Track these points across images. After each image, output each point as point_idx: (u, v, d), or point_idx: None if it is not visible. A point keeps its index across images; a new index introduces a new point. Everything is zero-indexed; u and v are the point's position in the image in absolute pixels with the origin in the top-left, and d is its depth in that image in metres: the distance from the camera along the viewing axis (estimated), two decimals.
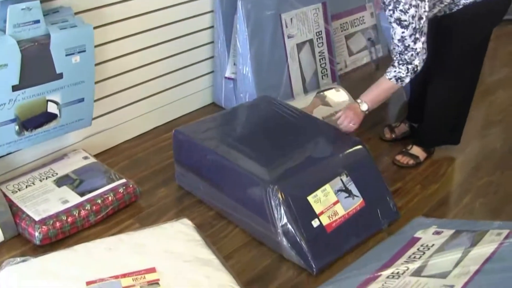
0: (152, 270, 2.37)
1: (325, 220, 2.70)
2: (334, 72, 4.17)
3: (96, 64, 3.02)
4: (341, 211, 2.76)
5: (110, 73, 3.32)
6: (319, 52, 4.06)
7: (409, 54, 2.89)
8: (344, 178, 2.84)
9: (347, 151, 2.96)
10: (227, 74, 3.82)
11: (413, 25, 2.80)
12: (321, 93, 3.79)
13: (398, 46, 2.90)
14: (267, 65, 3.75)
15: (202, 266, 2.44)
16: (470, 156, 3.55)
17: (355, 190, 2.85)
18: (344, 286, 2.39)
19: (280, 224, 2.62)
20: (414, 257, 2.41)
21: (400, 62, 2.93)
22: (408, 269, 2.32)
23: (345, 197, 2.80)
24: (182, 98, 3.76)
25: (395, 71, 2.95)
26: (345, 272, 2.54)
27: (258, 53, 3.69)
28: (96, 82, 3.06)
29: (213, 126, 3.14)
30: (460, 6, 3.01)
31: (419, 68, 2.93)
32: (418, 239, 2.60)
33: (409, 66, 2.92)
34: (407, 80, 2.97)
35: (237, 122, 3.30)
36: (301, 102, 3.68)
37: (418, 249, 2.48)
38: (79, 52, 2.76)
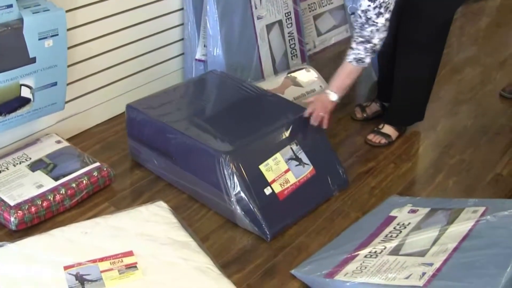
0: (129, 253, 2.39)
1: (277, 188, 2.78)
2: (303, 53, 4.19)
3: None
4: (292, 179, 2.84)
5: (80, 57, 3.29)
6: (288, 33, 4.07)
7: (369, 29, 2.85)
8: (294, 147, 2.91)
9: (297, 121, 3.01)
10: (197, 56, 3.81)
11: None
12: (292, 73, 3.80)
13: (360, 17, 2.85)
14: (237, 47, 3.75)
15: (179, 248, 2.46)
16: (441, 135, 3.60)
17: (305, 159, 2.92)
18: (322, 266, 2.42)
19: (234, 193, 2.69)
20: (391, 236, 2.45)
21: (359, 40, 2.90)
22: (385, 248, 2.35)
23: (296, 165, 2.88)
24: (153, 81, 3.75)
25: (353, 52, 2.93)
26: (322, 252, 2.57)
27: (228, 35, 3.69)
28: (67, 66, 3.04)
29: (166, 101, 3.17)
30: None
31: (377, 47, 2.91)
32: (394, 218, 2.63)
33: (367, 46, 2.90)
34: (368, 60, 2.95)
35: (189, 96, 3.34)
36: (271, 83, 3.69)
37: (394, 228, 2.52)
38: (51, 36, 2.74)
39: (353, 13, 3.89)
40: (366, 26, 2.85)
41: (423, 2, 3.12)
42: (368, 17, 2.82)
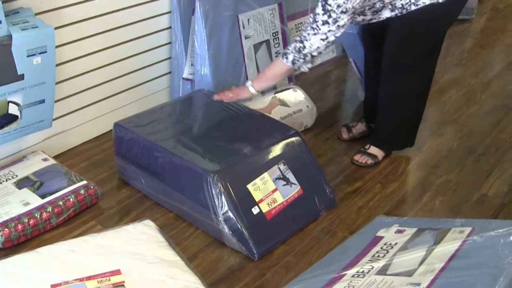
0: (117, 272, 2.38)
1: (264, 207, 2.78)
2: None
3: None
4: (279, 198, 2.85)
5: (68, 74, 3.29)
6: (275, 53, 4.08)
7: (310, 31, 2.87)
8: (282, 166, 2.92)
9: (284, 141, 3.01)
10: (185, 75, 3.82)
11: (330, 9, 2.79)
12: (279, 93, 3.81)
13: (310, 17, 2.88)
14: (225, 66, 3.76)
15: (167, 267, 2.45)
16: (427, 155, 3.60)
17: (292, 178, 2.93)
18: (310, 285, 2.42)
19: (221, 212, 2.69)
20: (378, 256, 2.45)
21: (296, 38, 2.94)
22: (373, 267, 2.35)
23: (283, 185, 2.89)
24: (140, 99, 3.75)
25: (285, 47, 2.97)
26: (310, 272, 2.56)
27: (216, 54, 3.70)
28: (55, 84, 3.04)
29: (153, 119, 3.17)
30: (415, 7, 2.98)
31: (305, 51, 2.92)
32: (381, 238, 2.63)
33: (298, 45, 2.93)
34: (290, 57, 2.97)
35: (177, 115, 3.33)
36: (258, 102, 3.69)
37: (381, 248, 2.52)
38: (40, 53, 2.73)
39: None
40: (309, 28, 2.88)
41: (412, 27, 3.08)
42: (316, 20, 2.84)
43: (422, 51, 3.16)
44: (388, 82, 3.30)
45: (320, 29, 2.84)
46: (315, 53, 2.95)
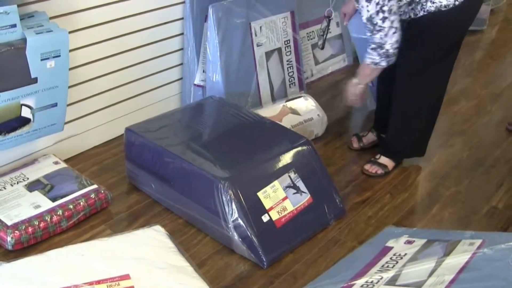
0: (126, 277, 2.38)
1: (274, 215, 2.78)
2: (301, 81, 4.21)
3: None
4: (289, 206, 2.85)
5: (80, 79, 3.30)
6: (287, 61, 4.09)
7: (378, 35, 2.89)
8: (292, 175, 2.92)
9: (295, 149, 3.02)
10: (196, 82, 3.83)
11: (376, 1, 2.81)
12: (289, 101, 3.81)
13: (367, 25, 2.90)
14: (236, 73, 3.77)
15: (175, 273, 2.45)
16: (437, 166, 3.60)
17: (302, 187, 2.93)
18: None
19: (231, 219, 2.69)
20: (387, 266, 2.44)
21: (372, 46, 2.95)
22: (382, 278, 2.34)
23: (293, 193, 2.89)
24: (151, 105, 3.76)
25: (369, 57, 2.99)
26: (318, 281, 2.56)
27: (228, 61, 3.71)
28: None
29: (164, 125, 3.19)
30: (431, 9, 2.99)
31: (390, 51, 2.94)
32: (390, 248, 2.63)
33: (380, 51, 2.94)
34: (384, 63, 2.99)
35: (187, 121, 3.35)
36: (269, 110, 3.70)
37: (391, 258, 2.51)
38: (54, 57, 2.75)
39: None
40: (375, 32, 2.89)
41: (424, 31, 3.09)
42: (374, 23, 2.86)
43: (433, 58, 3.16)
44: (400, 90, 3.31)
45: (384, 27, 2.86)
46: (396, 46, 2.95)
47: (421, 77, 3.22)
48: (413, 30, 3.09)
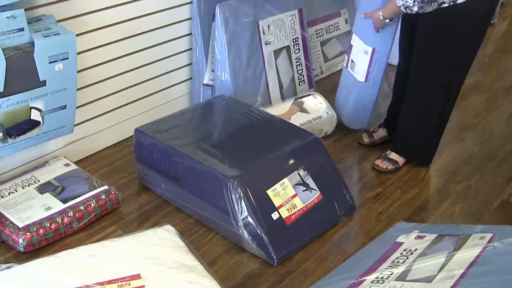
0: (137, 276, 2.39)
1: (284, 213, 2.79)
2: (310, 78, 4.21)
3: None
4: (299, 204, 2.86)
5: (90, 80, 3.32)
6: (296, 59, 4.10)
7: None
8: (302, 172, 2.93)
9: (304, 147, 3.03)
10: (205, 81, 3.84)
11: None
12: (299, 99, 3.82)
13: None
14: (245, 72, 3.78)
15: (186, 272, 2.46)
16: (448, 161, 3.60)
17: (312, 184, 2.94)
18: None
19: (241, 218, 2.70)
20: (398, 262, 2.44)
21: None
22: (392, 273, 2.35)
23: (303, 191, 2.90)
24: (161, 105, 3.77)
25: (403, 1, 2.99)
26: (329, 277, 2.56)
27: (236, 60, 3.72)
28: (76, 90, 3.06)
29: (174, 125, 3.20)
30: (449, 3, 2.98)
31: None
32: (401, 244, 2.63)
33: None
34: (415, 9, 2.97)
35: (197, 120, 3.36)
36: (278, 108, 3.71)
37: (401, 254, 2.51)
38: (62, 60, 2.77)
39: None
40: None
41: (433, 26, 3.09)
42: None
43: (448, 55, 3.13)
44: (412, 84, 3.31)
45: None
46: None
47: (436, 74, 3.21)
48: (431, 25, 3.08)
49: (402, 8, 3.00)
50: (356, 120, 3.80)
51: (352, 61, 3.59)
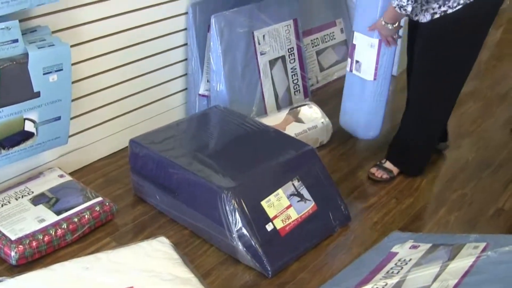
0: None
1: (278, 224, 2.78)
2: (306, 88, 4.21)
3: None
4: (294, 215, 2.85)
5: (84, 91, 3.31)
6: (291, 69, 4.10)
7: None
8: (296, 182, 2.92)
9: (298, 157, 3.03)
10: (201, 92, 3.83)
11: None
12: (294, 109, 3.81)
13: None
14: (241, 82, 3.78)
15: (180, 284, 2.45)
16: (443, 168, 3.60)
17: (307, 194, 2.93)
18: None
19: (235, 229, 2.69)
20: (392, 272, 2.44)
21: None
22: (386, 284, 2.34)
23: (298, 201, 2.89)
24: (156, 116, 3.76)
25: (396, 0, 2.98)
26: None
27: (232, 70, 3.72)
28: (71, 101, 3.06)
29: (169, 136, 3.19)
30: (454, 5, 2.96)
31: None
32: (395, 254, 2.63)
33: None
34: (409, 8, 2.95)
35: (192, 131, 3.36)
36: (273, 118, 3.71)
37: (395, 264, 2.51)
38: (56, 71, 2.76)
39: None
40: None
41: (430, 31, 3.09)
42: None
43: (447, 61, 3.14)
44: (415, 92, 3.32)
45: None
46: None
47: (437, 81, 3.20)
48: (432, 31, 3.07)
49: (397, 9, 2.99)
50: (369, 127, 3.63)
51: (357, 61, 3.52)
